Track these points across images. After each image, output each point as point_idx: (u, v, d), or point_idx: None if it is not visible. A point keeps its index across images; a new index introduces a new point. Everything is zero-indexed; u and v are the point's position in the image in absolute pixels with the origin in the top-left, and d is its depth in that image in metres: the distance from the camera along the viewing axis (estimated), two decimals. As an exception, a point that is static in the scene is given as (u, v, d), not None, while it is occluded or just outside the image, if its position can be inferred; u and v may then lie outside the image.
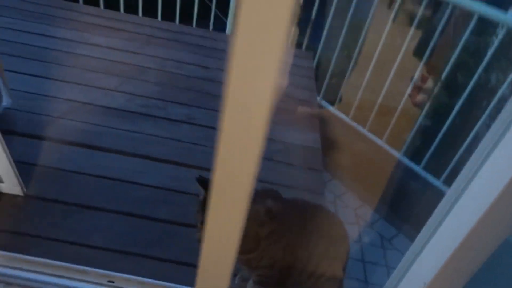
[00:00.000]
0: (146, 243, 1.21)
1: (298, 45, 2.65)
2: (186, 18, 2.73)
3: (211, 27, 2.77)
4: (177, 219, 1.31)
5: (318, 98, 2.38)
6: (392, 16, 2.07)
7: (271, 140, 1.68)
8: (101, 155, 1.50)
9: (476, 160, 0.62)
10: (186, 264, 1.16)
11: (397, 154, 2.16)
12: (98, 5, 2.57)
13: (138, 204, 1.33)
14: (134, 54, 2.18)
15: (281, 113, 1.88)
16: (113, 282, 1.04)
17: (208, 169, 1.56)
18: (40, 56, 1.96)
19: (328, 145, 2.27)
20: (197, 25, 2.73)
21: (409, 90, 2.12)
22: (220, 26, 2.90)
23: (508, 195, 0.59)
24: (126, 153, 1.53)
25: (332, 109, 2.39)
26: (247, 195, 0.64)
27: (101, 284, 1.03)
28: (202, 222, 0.93)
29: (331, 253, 1.03)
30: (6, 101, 1.54)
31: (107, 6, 2.61)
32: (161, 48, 2.32)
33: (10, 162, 1.18)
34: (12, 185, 1.25)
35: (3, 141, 1.12)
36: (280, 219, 0.92)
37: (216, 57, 2.37)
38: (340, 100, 2.43)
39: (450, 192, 0.69)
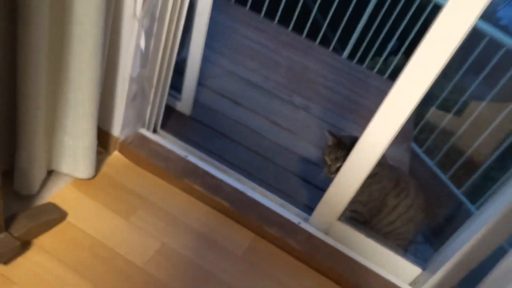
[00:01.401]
0: (265, 175, 1.61)
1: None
2: (312, 35, 3.24)
3: (331, 48, 3.22)
4: (288, 167, 1.70)
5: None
6: (494, 91, 2.34)
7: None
8: (241, 110, 1.96)
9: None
10: (291, 197, 1.54)
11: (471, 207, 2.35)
12: (245, 4, 3.15)
13: (263, 149, 1.75)
14: (271, 51, 2.68)
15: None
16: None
17: (311, 143, 1.93)
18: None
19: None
20: (319, 43, 3.21)
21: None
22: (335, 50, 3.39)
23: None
24: (259, 114, 1.97)
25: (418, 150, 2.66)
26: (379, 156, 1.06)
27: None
28: (329, 162, 1.31)
29: (410, 215, 1.34)
30: (185, 53, 2.08)
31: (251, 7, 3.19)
32: (292, 53, 2.80)
33: (194, 88, 1.67)
34: (185, 106, 1.73)
35: (198, 72, 1.61)
36: (384, 169, 1.27)
37: (332, 72, 2.79)
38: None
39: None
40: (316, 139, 2.00)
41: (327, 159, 1.28)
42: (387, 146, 1.12)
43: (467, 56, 2.52)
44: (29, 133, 0.96)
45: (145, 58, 1.15)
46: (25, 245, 0.95)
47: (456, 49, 0.91)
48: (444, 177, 2.48)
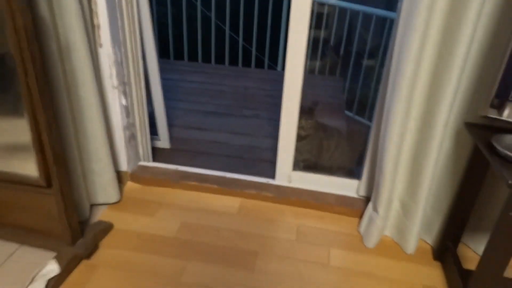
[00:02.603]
0: (239, 167, 2.15)
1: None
2: (246, 62, 3.90)
3: (265, 67, 3.88)
4: (255, 158, 2.25)
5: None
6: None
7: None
8: (207, 132, 2.52)
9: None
10: (262, 175, 2.07)
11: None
12: (183, 59, 3.80)
13: (233, 152, 2.30)
14: (215, 85, 3.29)
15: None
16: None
17: (267, 137, 2.51)
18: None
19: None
20: (255, 67, 3.87)
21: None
22: (271, 67, 4.04)
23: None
24: (221, 131, 2.53)
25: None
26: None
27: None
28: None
29: (340, 149, 1.90)
30: (150, 108, 2.64)
31: (189, 58, 3.85)
32: (233, 81, 3.41)
33: (167, 127, 2.22)
34: (164, 142, 2.27)
35: (165, 115, 2.17)
36: (315, 128, 1.84)
37: (270, 84, 3.41)
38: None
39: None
40: (269, 134, 2.57)
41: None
42: (298, 109, 1.69)
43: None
44: (75, 178, 1.47)
45: (127, 110, 1.70)
46: (95, 246, 1.44)
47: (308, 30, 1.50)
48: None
